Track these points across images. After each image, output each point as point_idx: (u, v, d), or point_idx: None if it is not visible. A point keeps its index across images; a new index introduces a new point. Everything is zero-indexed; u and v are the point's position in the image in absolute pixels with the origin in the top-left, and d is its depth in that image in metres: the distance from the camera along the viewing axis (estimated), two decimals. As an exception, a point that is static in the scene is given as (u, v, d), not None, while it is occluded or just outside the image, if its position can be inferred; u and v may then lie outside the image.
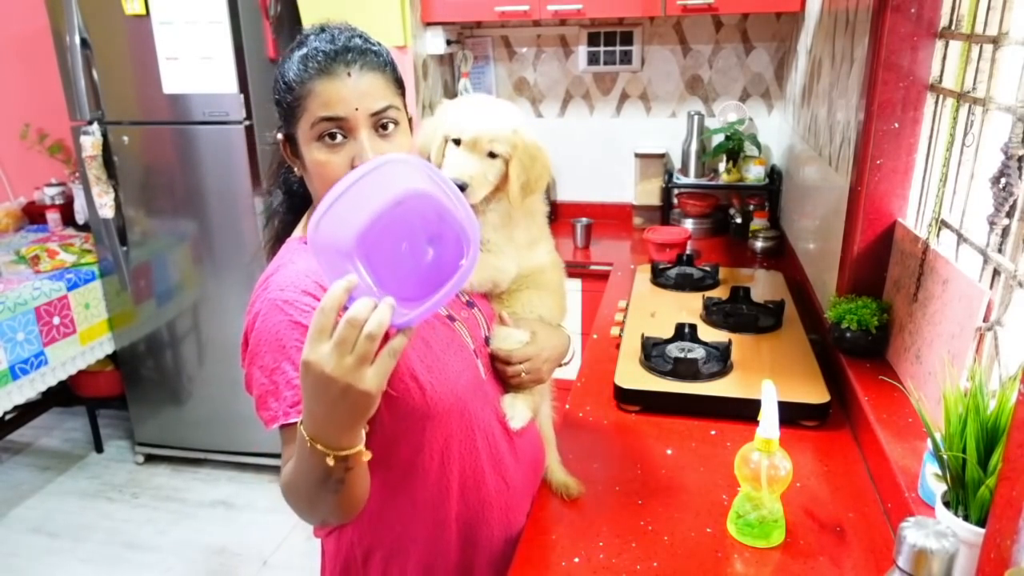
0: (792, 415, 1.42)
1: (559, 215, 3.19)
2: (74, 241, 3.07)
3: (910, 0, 1.43)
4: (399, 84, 1.02)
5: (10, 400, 2.67)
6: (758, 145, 2.97)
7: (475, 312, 1.17)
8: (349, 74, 0.95)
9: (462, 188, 1.09)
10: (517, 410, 1.16)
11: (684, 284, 2.20)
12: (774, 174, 2.92)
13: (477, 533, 1.14)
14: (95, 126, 2.70)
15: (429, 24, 2.84)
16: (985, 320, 1.15)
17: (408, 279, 0.80)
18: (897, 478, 1.16)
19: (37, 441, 3.45)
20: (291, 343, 0.92)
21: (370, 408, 0.77)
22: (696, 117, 2.97)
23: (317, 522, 1.05)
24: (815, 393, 1.49)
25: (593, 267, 2.75)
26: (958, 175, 1.35)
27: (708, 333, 1.80)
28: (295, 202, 1.12)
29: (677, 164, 3.13)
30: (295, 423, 0.89)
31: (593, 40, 3.09)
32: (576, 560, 1.12)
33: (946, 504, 0.94)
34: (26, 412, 3.24)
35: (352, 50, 0.96)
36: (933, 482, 1.03)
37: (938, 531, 0.74)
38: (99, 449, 3.32)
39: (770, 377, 1.14)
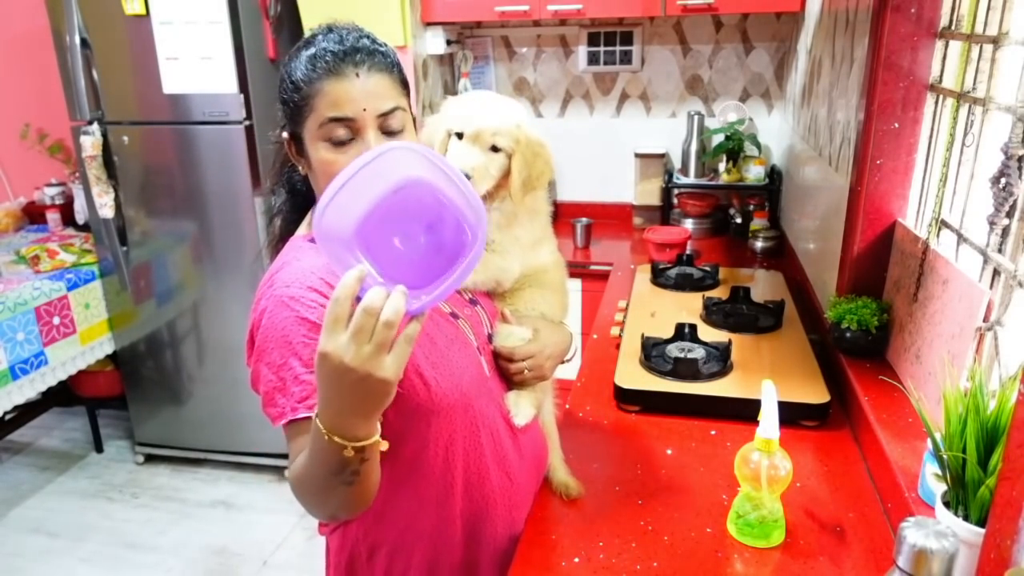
0: (792, 415, 1.42)
1: (559, 215, 3.19)
2: (74, 241, 3.07)
3: (910, 0, 1.43)
4: (405, 84, 1.02)
5: (10, 400, 2.67)
6: (758, 145, 2.97)
7: (478, 310, 1.17)
8: (358, 75, 0.95)
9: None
10: (521, 407, 1.17)
11: (684, 284, 2.20)
12: (774, 174, 2.92)
13: (481, 529, 1.15)
14: (95, 126, 2.70)
15: (429, 24, 2.84)
16: (985, 320, 1.15)
17: (413, 266, 0.80)
18: (897, 478, 1.16)
19: (37, 441, 3.45)
20: (298, 339, 0.92)
21: (389, 396, 0.77)
22: (696, 117, 2.97)
23: (327, 516, 1.05)
24: (815, 393, 1.49)
25: (593, 267, 2.75)
26: (958, 175, 1.35)
27: (708, 333, 1.80)
28: (298, 200, 1.12)
29: (677, 164, 3.13)
30: (303, 419, 0.91)
31: (593, 40, 3.09)
32: (576, 560, 1.12)
33: (946, 504, 0.94)
34: (26, 412, 3.24)
35: (361, 51, 0.96)
36: (933, 482, 1.03)
37: (938, 531, 0.74)
38: (99, 449, 3.32)
39: (770, 377, 1.14)
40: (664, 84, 3.10)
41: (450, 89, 3.23)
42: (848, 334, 1.54)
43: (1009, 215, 1.13)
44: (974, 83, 1.31)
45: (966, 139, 1.32)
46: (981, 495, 0.88)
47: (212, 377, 2.98)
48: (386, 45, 1.01)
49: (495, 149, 1.12)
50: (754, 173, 2.93)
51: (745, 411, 1.39)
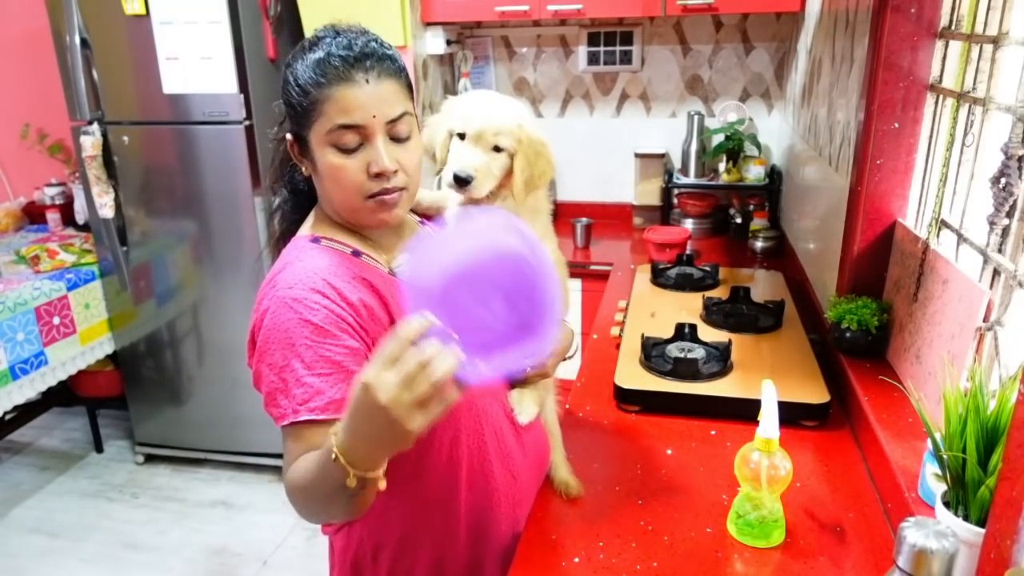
0: (792, 415, 1.42)
1: (559, 215, 3.19)
2: (74, 241, 3.07)
3: (910, 0, 1.43)
4: (410, 88, 1.03)
5: (10, 400, 2.67)
6: (758, 145, 2.97)
7: None
8: (367, 81, 0.95)
9: (468, 181, 1.09)
10: (525, 405, 1.18)
11: (684, 284, 2.20)
12: (774, 174, 2.92)
13: (485, 527, 1.15)
14: (95, 126, 2.70)
15: (429, 24, 2.84)
16: (985, 320, 1.15)
17: (481, 331, 0.81)
18: (897, 478, 1.16)
19: (37, 441, 3.45)
20: (300, 341, 0.93)
21: (405, 446, 0.78)
22: (696, 117, 2.97)
23: (319, 522, 1.06)
24: (815, 393, 1.49)
25: (593, 267, 2.74)
26: (958, 175, 1.35)
27: (708, 333, 1.80)
28: (300, 200, 1.12)
29: (677, 164, 3.13)
30: (304, 422, 0.91)
31: (593, 40, 3.09)
32: (576, 560, 1.12)
33: (946, 504, 0.94)
34: (26, 412, 3.24)
35: (371, 56, 0.96)
36: (933, 482, 1.03)
37: (938, 531, 0.74)
38: (99, 449, 3.32)
39: (770, 377, 1.14)
40: (664, 84, 3.10)
41: (450, 89, 3.23)
42: (848, 334, 1.54)
43: (1009, 215, 1.13)
44: (974, 83, 1.31)
45: (966, 139, 1.32)
46: (981, 495, 0.88)
47: (212, 377, 2.98)
48: (392, 48, 1.01)
49: (497, 149, 1.12)
50: (754, 173, 2.93)
51: (745, 411, 1.39)
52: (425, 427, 0.76)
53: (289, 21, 2.72)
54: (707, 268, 2.29)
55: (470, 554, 1.15)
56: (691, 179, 3.05)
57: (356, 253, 1.04)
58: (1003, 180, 1.12)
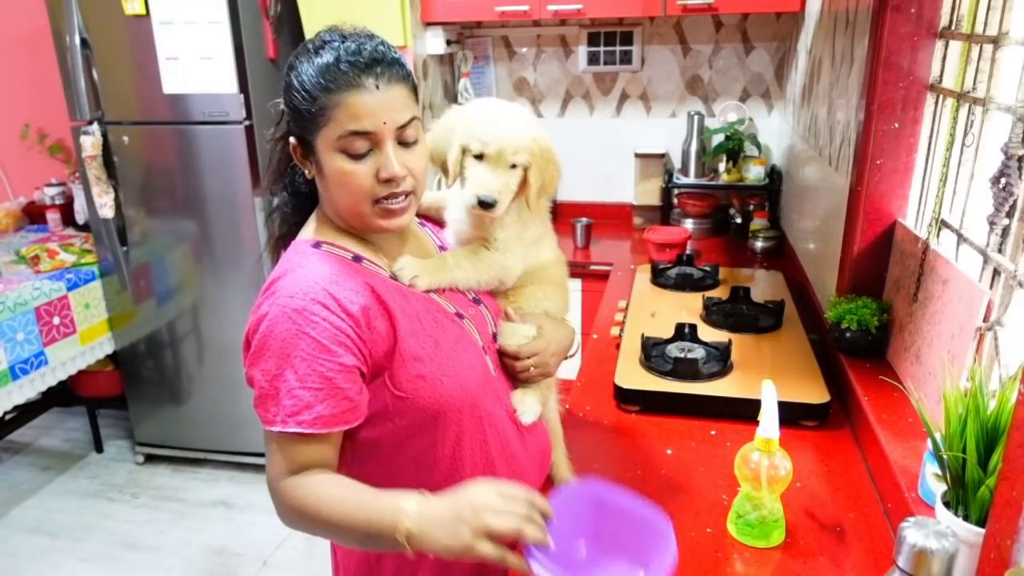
0: (792, 415, 1.42)
1: (559, 215, 3.19)
2: (74, 241, 3.07)
3: (910, 0, 1.43)
4: (416, 92, 1.02)
5: (10, 400, 2.66)
6: (758, 145, 2.97)
7: (482, 309, 1.17)
8: (378, 87, 0.94)
9: (492, 205, 1.10)
10: (527, 405, 1.18)
11: (684, 284, 2.20)
12: (774, 174, 2.92)
13: None
14: (95, 126, 2.70)
15: (429, 24, 2.84)
16: (985, 320, 1.15)
17: (573, 544, 0.97)
18: (897, 478, 1.16)
19: (37, 441, 3.45)
20: (296, 353, 0.93)
21: (458, 557, 0.88)
22: (696, 117, 2.97)
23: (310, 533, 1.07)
24: (815, 393, 1.49)
25: (593, 267, 2.74)
26: (958, 175, 1.35)
27: (708, 333, 1.80)
28: (300, 202, 1.11)
29: (677, 164, 3.13)
30: (292, 433, 0.94)
31: (593, 40, 3.09)
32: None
33: (946, 504, 0.94)
34: (26, 412, 3.24)
35: (381, 62, 0.95)
36: (933, 482, 1.03)
37: (938, 531, 0.74)
38: (99, 449, 3.32)
39: (770, 377, 1.14)
40: (664, 84, 3.10)
41: (450, 89, 3.23)
42: (848, 334, 1.54)
43: (1009, 215, 1.13)
44: (974, 83, 1.31)
45: (966, 139, 1.32)
46: (981, 495, 0.88)
47: (212, 377, 2.98)
48: (398, 51, 1.01)
49: (513, 165, 1.13)
50: (754, 173, 2.93)
51: (745, 411, 1.39)
52: (483, 557, 0.86)
53: (289, 21, 2.72)
54: (707, 268, 2.29)
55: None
56: (691, 179, 3.05)
57: (357, 258, 1.04)
58: (1003, 180, 1.12)
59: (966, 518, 0.90)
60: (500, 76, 3.25)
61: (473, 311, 1.15)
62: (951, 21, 1.41)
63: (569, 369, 1.42)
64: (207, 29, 2.52)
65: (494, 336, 1.17)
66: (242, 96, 2.59)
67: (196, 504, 2.93)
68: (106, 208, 2.76)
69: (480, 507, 0.86)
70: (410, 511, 0.88)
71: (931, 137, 1.48)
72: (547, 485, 1.29)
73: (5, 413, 2.97)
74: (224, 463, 3.14)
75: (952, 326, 1.24)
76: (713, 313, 1.91)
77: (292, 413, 0.93)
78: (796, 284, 2.23)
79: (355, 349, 0.96)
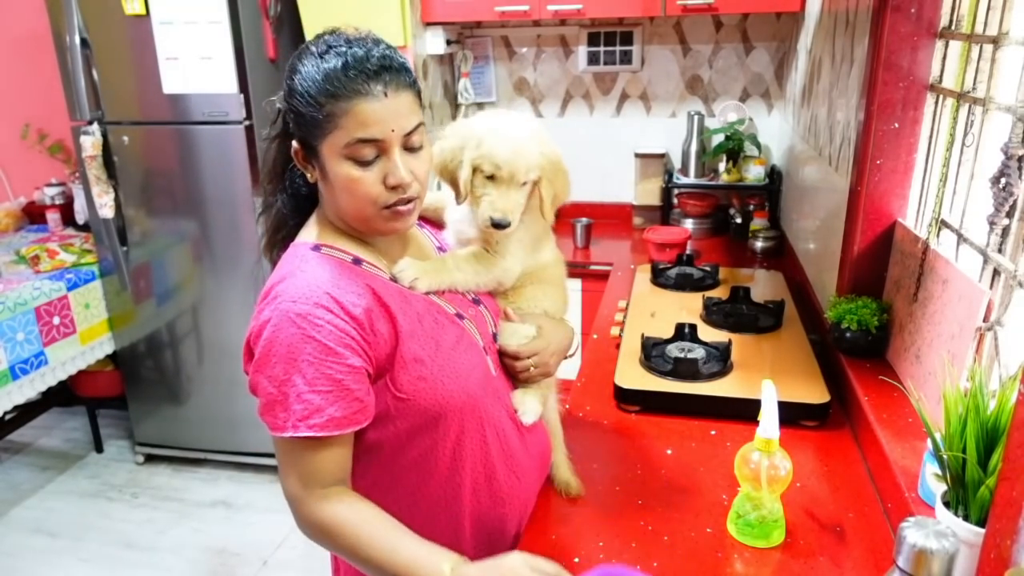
0: (792, 415, 1.42)
1: (559, 215, 3.18)
2: (74, 241, 3.07)
3: (910, 0, 1.43)
4: (421, 97, 1.02)
5: (10, 400, 2.67)
6: (758, 145, 2.97)
7: (482, 309, 1.17)
8: (386, 94, 0.94)
9: (506, 226, 1.10)
10: (528, 405, 1.18)
11: (684, 284, 2.20)
12: (774, 174, 2.92)
13: (491, 529, 1.15)
14: (95, 126, 2.70)
15: (429, 24, 2.84)
16: (985, 320, 1.15)
17: None
18: (897, 478, 1.16)
19: (37, 441, 3.45)
20: (303, 357, 0.93)
21: None
22: (696, 117, 2.97)
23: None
24: (815, 393, 1.49)
25: (593, 267, 2.74)
26: (958, 175, 1.35)
27: (708, 333, 1.80)
28: (300, 204, 1.10)
29: (677, 164, 3.13)
30: (305, 438, 0.93)
31: (593, 40, 3.09)
32: (576, 560, 1.12)
33: (946, 504, 0.94)
34: (26, 412, 3.24)
35: (389, 69, 0.95)
36: (933, 482, 1.03)
37: (938, 531, 0.74)
38: (99, 449, 3.32)
39: (770, 377, 1.14)
40: (664, 84, 3.10)
41: (450, 89, 3.23)
42: (848, 334, 1.54)
43: (1009, 215, 1.13)
44: (974, 83, 1.31)
45: (966, 139, 1.32)
46: (981, 495, 0.88)
47: (212, 377, 2.98)
48: (403, 56, 1.01)
49: (523, 183, 1.13)
50: (754, 173, 2.93)
51: (745, 411, 1.39)
52: None
53: (289, 21, 2.72)
54: (707, 268, 2.29)
55: (477, 556, 1.15)
56: (691, 179, 3.05)
57: (357, 261, 1.03)
58: (1003, 180, 1.12)
59: (966, 518, 0.90)
60: (500, 76, 3.25)
61: (473, 311, 1.15)
62: (951, 21, 1.41)
63: (569, 369, 1.41)
64: (207, 29, 2.52)
65: (494, 336, 1.17)
66: (242, 96, 2.59)
67: (196, 504, 2.93)
68: (106, 208, 2.76)
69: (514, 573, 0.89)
70: (453, 567, 0.91)
71: (931, 137, 1.48)
72: (546, 485, 1.29)
73: (5, 413, 2.97)
74: (224, 463, 3.14)
75: (952, 326, 1.24)
76: (713, 313, 1.91)
77: (303, 417, 0.93)
78: (796, 284, 2.23)
79: (360, 351, 0.96)
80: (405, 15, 2.63)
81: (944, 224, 1.39)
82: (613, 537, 1.16)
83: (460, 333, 1.09)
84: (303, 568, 2.55)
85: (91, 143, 2.68)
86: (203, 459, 3.15)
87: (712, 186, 3.03)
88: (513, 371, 1.18)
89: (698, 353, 1.67)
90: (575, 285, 2.73)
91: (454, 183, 1.14)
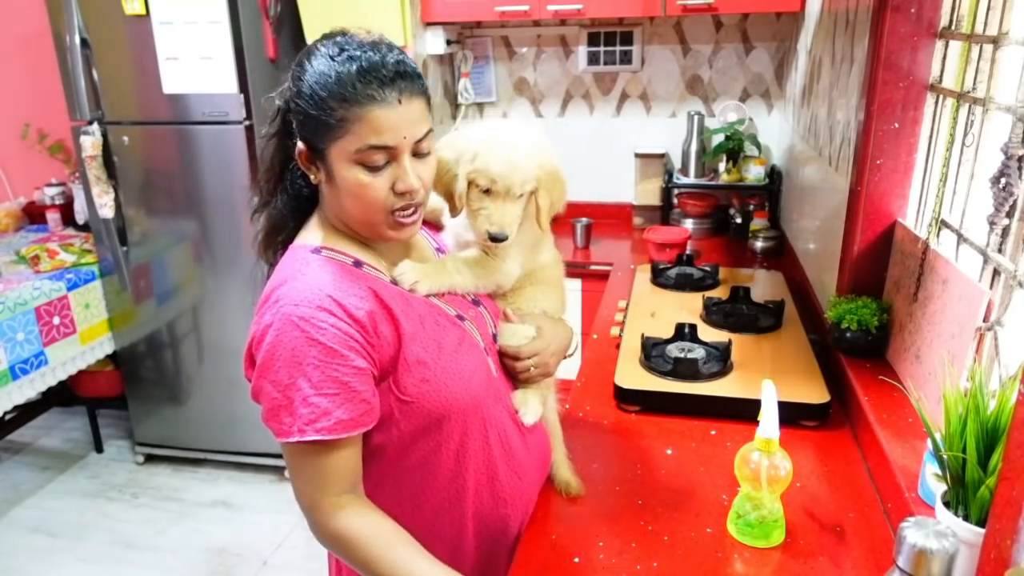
0: (792, 415, 1.42)
1: (559, 216, 3.18)
2: (74, 241, 3.07)
3: (910, 0, 1.43)
4: (430, 102, 1.02)
5: (10, 400, 2.67)
6: (758, 145, 2.97)
7: (481, 310, 1.17)
8: (400, 101, 0.93)
9: (504, 239, 1.10)
10: (529, 405, 1.18)
11: (684, 284, 2.20)
12: (774, 174, 2.92)
13: (494, 530, 1.15)
14: (95, 126, 2.70)
15: (429, 24, 2.84)
16: (985, 320, 1.15)
17: None
18: (897, 478, 1.16)
19: (37, 441, 3.45)
20: (308, 360, 0.92)
21: None
22: (696, 117, 2.97)
23: None
24: (815, 393, 1.49)
25: (593, 267, 2.75)
26: (958, 175, 1.35)
27: (708, 333, 1.80)
28: (300, 204, 1.08)
29: (677, 164, 3.13)
30: (312, 441, 0.92)
31: (593, 40, 3.09)
32: (576, 560, 1.12)
33: (946, 504, 0.94)
34: (26, 412, 3.24)
35: (403, 76, 0.94)
36: (933, 482, 1.03)
37: (938, 531, 0.74)
38: (99, 449, 3.32)
39: (770, 377, 1.14)
40: (664, 84, 3.10)
41: (450, 89, 3.23)
42: (848, 334, 1.54)
43: (1009, 215, 1.13)
44: (974, 83, 1.31)
45: (966, 139, 1.32)
46: (981, 495, 0.88)
47: (212, 377, 2.98)
48: (414, 63, 1.00)
49: (520, 195, 1.13)
50: (754, 173, 2.93)
51: (745, 411, 1.39)
52: None
53: (289, 21, 2.72)
54: (707, 268, 2.29)
55: (479, 557, 1.15)
56: (691, 179, 3.05)
57: (358, 263, 1.03)
58: (1003, 180, 1.12)
59: (966, 518, 0.90)
60: (500, 76, 3.25)
61: (473, 313, 1.15)
62: (951, 21, 1.41)
63: (569, 369, 1.41)
64: (207, 29, 2.52)
65: (494, 337, 1.17)
66: (242, 96, 2.59)
67: (196, 504, 2.93)
68: (106, 208, 2.76)
69: None
70: None
71: (931, 137, 1.48)
72: (546, 485, 1.29)
73: (5, 413, 2.97)
74: (224, 463, 3.14)
75: (952, 326, 1.24)
76: (713, 313, 1.91)
77: (310, 421, 0.92)
78: (796, 284, 2.23)
79: (365, 353, 0.96)
80: (405, 15, 2.63)
81: (944, 224, 1.39)
82: (613, 537, 1.16)
83: (461, 335, 1.09)
84: (303, 568, 2.55)
85: (91, 143, 2.68)
86: (203, 459, 3.15)
87: (712, 186, 3.03)
88: (513, 371, 1.18)
89: (698, 353, 1.67)
90: (575, 285, 2.73)
91: (449, 196, 1.13)
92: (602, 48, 3.09)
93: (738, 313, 1.92)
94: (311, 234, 1.05)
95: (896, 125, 1.51)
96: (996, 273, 1.18)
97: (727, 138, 2.92)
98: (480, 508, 1.12)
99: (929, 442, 1.00)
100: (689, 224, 2.96)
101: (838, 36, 1.93)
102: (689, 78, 3.07)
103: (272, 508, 2.86)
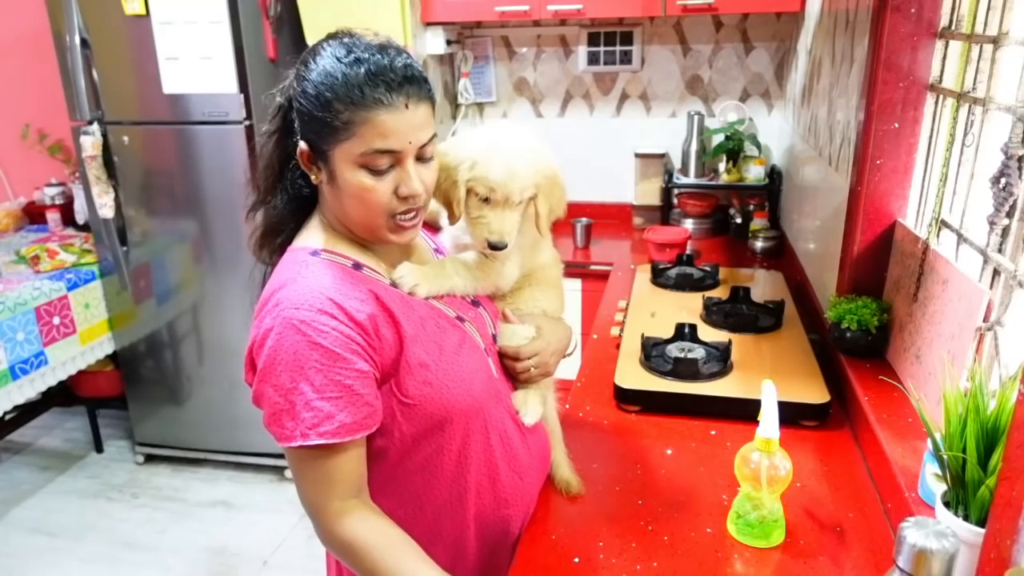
0: (792, 415, 1.42)
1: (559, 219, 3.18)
2: (74, 241, 3.07)
3: (910, 0, 1.43)
4: (435, 107, 1.01)
5: (10, 400, 2.66)
6: (758, 145, 2.97)
7: (481, 311, 1.17)
8: (407, 106, 0.93)
9: (503, 247, 1.10)
10: (530, 406, 1.18)
11: (684, 284, 2.20)
12: (774, 174, 2.92)
13: (495, 530, 1.15)
14: (95, 126, 2.70)
15: (429, 24, 2.84)
16: (985, 320, 1.15)
17: None
18: (897, 478, 1.16)
19: (37, 441, 3.45)
20: (309, 364, 0.92)
21: None
22: (696, 117, 2.97)
23: None
24: (815, 393, 1.49)
25: (593, 267, 2.75)
26: (958, 175, 1.35)
27: (708, 333, 1.80)
28: (301, 205, 1.07)
29: (677, 164, 3.13)
30: (315, 446, 0.92)
31: (593, 40, 3.09)
32: (576, 560, 1.12)
33: (946, 504, 0.94)
34: (26, 412, 3.24)
35: (411, 81, 0.94)
36: (933, 482, 1.03)
37: (938, 531, 0.74)
38: (99, 449, 3.32)
39: (770, 377, 1.14)
40: (664, 84, 3.10)
41: (450, 89, 3.23)
42: (848, 334, 1.54)
43: (1009, 215, 1.13)
44: (974, 83, 1.31)
45: (966, 139, 1.32)
46: (981, 495, 0.88)
47: (212, 377, 2.98)
48: (421, 67, 0.99)
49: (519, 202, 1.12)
50: (754, 173, 2.93)
51: (745, 411, 1.39)
52: None
53: (289, 21, 2.72)
54: (707, 268, 2.29)
55: (481, 558, 1.15)
56: (691, 179, 3.05)
57: (357, 265, 1.02)
58: (1003, 180, 1.12)
59: (966, 518, 0.90)
60: (500, 76, 3.25)
61: (473, 314, 1.15)
62: (951, 21, 1.41)
63: (568, 369, 1.41)
64: (207, 29, 2.52)
65: (494, 338, 1.17)
66: (242, 96, 2.59)
67: (196, 504, 2.93)
68: (106, 208, 2.76)
69: None
70: None
71: (931, 137, 1.48)
72: (546, 484, 1.29)
73: (5, 413, 2.97)
74: (224, 463, 3.14)
75: (952, 326, 1.24)
76: (713, 313, 1.91)
77: (313, 426, 0.92)
78: (796, 284, 2.23)
79: (367, 356, 0.95)
80: (405, 15, 2.63)
81: (944, 224, 1.39)
82: (613, 537, 1.16)
83: (462, 336, 1.09)
84: (303, 568, 2.55)
85: (91, 143, 2.68)
86: (203, 459, 3.15)
87: (712, 186, 3.03)
88: (513, 372, 1.18)
89: (698, 353, 1.67)
90: (575, 285, 2.74)
91: (448, 204, 1.13)
92: (602, 48, 3.09)
93: (738, 313, 1.92)
94: (311, 236, 1.04)
95: (896, 125, 1.51)
96: (996, 273, 1.18)
97: (727, 138, 2.92)
98: (482, 509, 1.12)
99: (929, 442, 1.00)
100: (689, 224, 2.96)
101: (838, 36, 1.93)
102: (689, 78, 3.07)
103: (272, 508, 2.86)
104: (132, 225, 2.86)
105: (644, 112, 3.16)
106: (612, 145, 3.21)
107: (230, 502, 2.93)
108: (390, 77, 0.92)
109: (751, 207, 2.90)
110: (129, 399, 3.14)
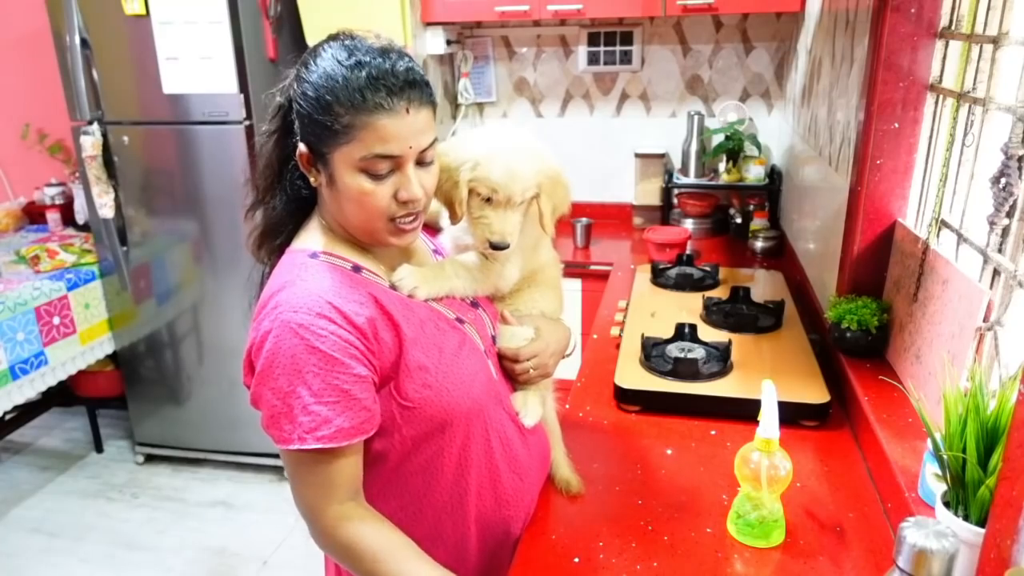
0: (792, 415, 1.42)
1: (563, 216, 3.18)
2: (74, 241, 3.07)
3: (910, 0, 1.43)
4: (436, 111, 1.01)
5: (10, 400, 2.66)
6: (758, 145, 2.97)
7: (480, 312, 1.17)
8: (408, 111, 0.93)
9: (505, 247, 1.10)
10: (529, 407, 1.18)
11: (684, 284, 2.20)
12: (774, 174, 2.92)
13: (496, 531, 1.15)
14: (95, 126, 2.70)
15: (429, 24, 2.84)
16: (985, 320, 1.15)
17: None
18: (897, 478, 1.16)
19: (37, 441, 3.45)
20: (308, 368, 0.91)
21: None
22: (696, 117, 2.97)
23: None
24: (815, 393, 1.49)
25: (593, 267, 2.75)
26: (958, 175, 1.35)
27: (708, 333, 1.80)
28: (300, 206, 1.07)
29: (677, 164, 3.13)
30: (313, 450, 0.92)
31: (593, 40, 3.09)
32: (576, 560, 1.12)
33: (946, 504, 0.94)
34: (26, 412, 3.24)
35: (412, 86, 0.93)
36: (933, 482, 1.03)
37: (938, 531, 0.74)
38: (99, 449, 3.32)
39: (770, 377, 1.14)
40: (664, 84, 3.10)
41: (450, 89, 3.23)
42: (848, 334, 1.54)
43: (1009, 215, 1.13)
44: (974, 83, 1.31)
45: (966, 139, 1.32)
46: (981, 495, 0.88)
47: (212, 377, 2.98)
48: (422, 70, 0.99)
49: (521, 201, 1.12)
50: (754, 173, 2.93)
51: (745, 411, 1.39)
52: None
53: (289, 21, 2.72)
54: (707, 268, 2.29)
55: (483, 559, 1.15)
56: (691, 179, 3.05)
57: (356, 268, 1.02)
58: (1003, 180, 1.12)
59: (966, 518, 0.90)
60: (500, 76, 3.25)
61: (472, 315, 1.15)
62: (951, 21, 1.41)
63: (568, 369, 1.41)
64: (207, 29, 2.52)
65: (493, 339, 1.17)
66: (242, 96, 2.59)
67: (196, 504, 2.93)
68: (106, 208, 2.76)
69: None
70: None
71: (931, 137, 1.48)
72: (546, 484, 1.29)
73: (5, 413, 2.97)
74: (224, 463, 3.14)
75: (952, 326, 1.24)
76: (713, 313, 1.91)
77: (310, 430, 0.91)
78: (796, 284, 2.23)
79: (365, 360, 0.95)
80: (405, 15, 2.63)
81: (944, 224, 1.39)
82: (613, 537, 1.16)
83: (462, 338, 1.09)
84: (303, 568, 2.55)
85: (91, 143, 2.68)
86: (203, 459, 3.15)
87: (712, 186, 3.03)
88: (512, 373, 1.18)
89: (698, 353, 1.67)
90: (575, 285, 2.74)
91: (450, 204, 1.12)
92: (602, 48, 3.09)
93: (738, 313, 1.92)
94: (310, 238, 1.04)
95: (896, 125, 1.51)
96: (996, 273, 1.18)
97: (727, 138, 2.92)
98: (482, 511, 1.12)
99: (929, 442, 1.00)
100: (689, 224, 2.96)
101: (838, 36, 1.93)
102: (689, 78, 3.07)
103: (272, 508, 2.86)
104: (132, 225, 2.86)
105: (644, 112, 3.16)
106: (612, 145, 3.21)
107: (230, 502, 2.93)
108: (391, 81, 0.91)
109: (751, 207, 2.90)
110: (129, 399, 3.14)
